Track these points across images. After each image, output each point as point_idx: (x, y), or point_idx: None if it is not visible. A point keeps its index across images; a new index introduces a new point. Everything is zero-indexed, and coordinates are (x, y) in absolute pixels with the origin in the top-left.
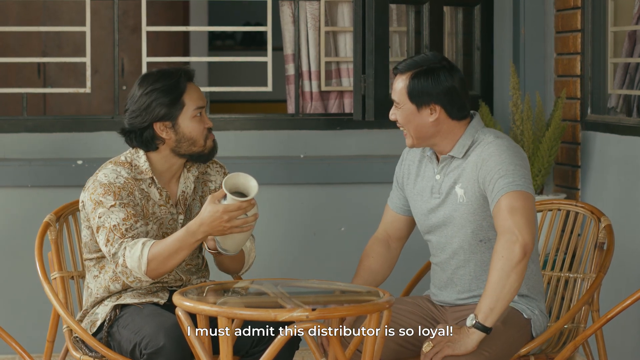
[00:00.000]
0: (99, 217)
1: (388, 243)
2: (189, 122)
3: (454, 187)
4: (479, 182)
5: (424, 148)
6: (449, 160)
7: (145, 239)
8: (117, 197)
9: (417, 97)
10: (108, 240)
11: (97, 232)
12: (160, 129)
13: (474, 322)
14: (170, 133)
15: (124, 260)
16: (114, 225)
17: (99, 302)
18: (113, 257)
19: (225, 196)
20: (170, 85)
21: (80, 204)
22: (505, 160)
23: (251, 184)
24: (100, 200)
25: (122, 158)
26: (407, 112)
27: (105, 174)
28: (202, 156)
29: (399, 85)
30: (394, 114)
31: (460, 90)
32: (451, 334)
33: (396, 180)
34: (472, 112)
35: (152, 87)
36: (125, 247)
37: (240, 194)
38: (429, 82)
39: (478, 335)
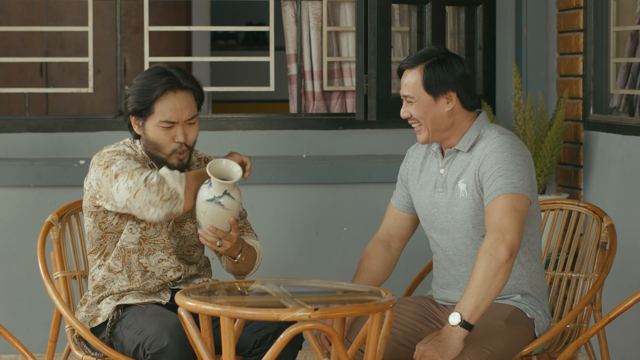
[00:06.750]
0: (116, 166)
1: (389, 244)
2: (153, 128)
3: (457, 182)
4: (479, 176)
5: (429, 144)
6: (454, 154)
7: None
8: (129, 160)
9: (434, 86)
10: (133, 175)
11: (115, 179)
12: (134, 121)
13: (460, 320)
14: (140, 130)
15: (161, 177)
16: (137, 168)
17: (100, 289)
18: (145, 181)
19: (209, 180)
20: (146, 88)
21: (87, 186)
22: (507, 159)
23: (234, 170)
24: (114, 159)
25: (121, 145)
26: (424, 105)
27: (109, 150)
28: (165, 165)
29: (412, 79)
30: (406, 111)
31: (471, 77)
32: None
33: (400, 178)
34: (478, 109)
35: (137, 81)
36: (161, 169)
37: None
38: (444, 70)
39: (462, 333)
